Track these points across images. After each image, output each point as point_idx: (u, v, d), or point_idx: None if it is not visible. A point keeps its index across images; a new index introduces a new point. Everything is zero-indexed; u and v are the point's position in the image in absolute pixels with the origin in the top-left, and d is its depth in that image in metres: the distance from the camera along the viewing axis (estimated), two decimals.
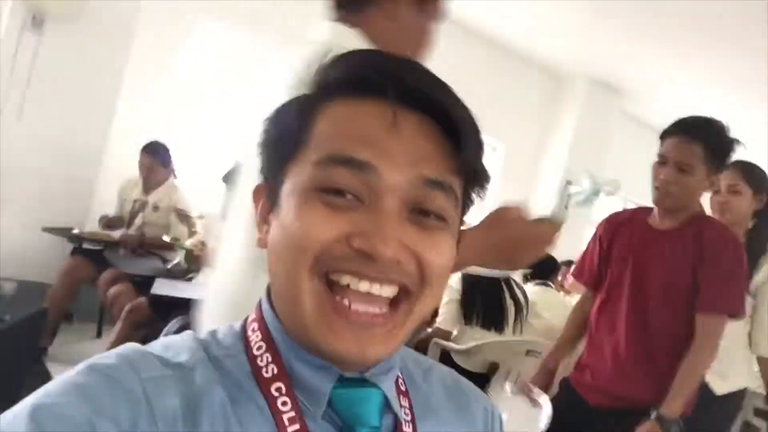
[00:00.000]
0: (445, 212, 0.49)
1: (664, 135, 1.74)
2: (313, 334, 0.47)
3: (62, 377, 0.44)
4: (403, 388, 0.55)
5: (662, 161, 1.72)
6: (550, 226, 1.09)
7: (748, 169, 2.05)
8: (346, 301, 0.46)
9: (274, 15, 3.95)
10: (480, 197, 0.54)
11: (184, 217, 3.72)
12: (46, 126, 3.70)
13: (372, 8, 1.12)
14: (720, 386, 1.93)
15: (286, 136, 0.51)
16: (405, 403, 0.54)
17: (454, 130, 0.48)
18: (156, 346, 0.50)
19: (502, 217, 1.07)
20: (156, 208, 3.76)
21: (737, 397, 2.02)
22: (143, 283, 3.22)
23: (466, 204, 0.53)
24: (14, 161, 3.54)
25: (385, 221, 0.45)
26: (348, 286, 0.46)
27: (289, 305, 0.49)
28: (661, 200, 1.75)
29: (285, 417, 0.47)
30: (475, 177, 0.52)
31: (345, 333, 0.46)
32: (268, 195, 0.53)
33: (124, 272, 3.42)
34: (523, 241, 1.07)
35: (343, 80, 0.49)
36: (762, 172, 2.07)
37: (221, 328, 0.54)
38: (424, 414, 0.55)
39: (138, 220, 3.73)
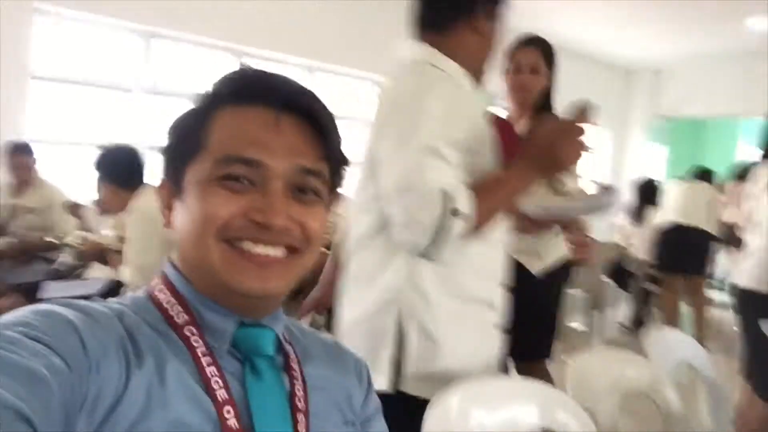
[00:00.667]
0: (319, 190, 0.64)
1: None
2: (224, 279, 0.60)
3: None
4: (288, 338, 0.70)
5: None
6: (579, 114, 1.21)
7: (546, 49, 2.08)
8: (247, 251, 0.60)
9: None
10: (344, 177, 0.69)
11: (76, 208, 3.47)
12: None
13: (456, 25, 1.29)
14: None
15: (187, 140, 0.63)
16: (291, 349, 0.69)
17: (321, 129, 0.63)
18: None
19: (533, 134, 1.24)
20: (31, 210, 3.48)
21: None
22: (33, 290, 3.00)
23: (335, 182, 0.68)
24: None
25: (273, 199, 0.60)
26: (248, 250, 0.60)
27: (201, 264, 0.62)
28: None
29: (198, 351, 0.60)
30: (338, 162, 0.67)
31: (250, 272, 0.60)
32: (171, 187, 0.66)
33: (9, 284, 3.17)
34: (556, 136, 1.21)
35: (234, 92, 0.63)
36: (554, 50, 2.10)
37: (125, 296, 0.65)
38: (305, 359, 0.70)
39: (12, 227, 3.45)
